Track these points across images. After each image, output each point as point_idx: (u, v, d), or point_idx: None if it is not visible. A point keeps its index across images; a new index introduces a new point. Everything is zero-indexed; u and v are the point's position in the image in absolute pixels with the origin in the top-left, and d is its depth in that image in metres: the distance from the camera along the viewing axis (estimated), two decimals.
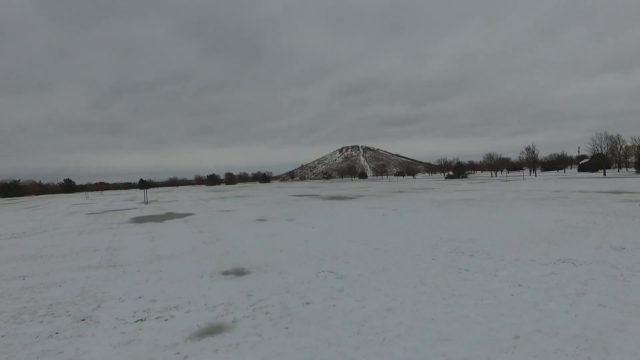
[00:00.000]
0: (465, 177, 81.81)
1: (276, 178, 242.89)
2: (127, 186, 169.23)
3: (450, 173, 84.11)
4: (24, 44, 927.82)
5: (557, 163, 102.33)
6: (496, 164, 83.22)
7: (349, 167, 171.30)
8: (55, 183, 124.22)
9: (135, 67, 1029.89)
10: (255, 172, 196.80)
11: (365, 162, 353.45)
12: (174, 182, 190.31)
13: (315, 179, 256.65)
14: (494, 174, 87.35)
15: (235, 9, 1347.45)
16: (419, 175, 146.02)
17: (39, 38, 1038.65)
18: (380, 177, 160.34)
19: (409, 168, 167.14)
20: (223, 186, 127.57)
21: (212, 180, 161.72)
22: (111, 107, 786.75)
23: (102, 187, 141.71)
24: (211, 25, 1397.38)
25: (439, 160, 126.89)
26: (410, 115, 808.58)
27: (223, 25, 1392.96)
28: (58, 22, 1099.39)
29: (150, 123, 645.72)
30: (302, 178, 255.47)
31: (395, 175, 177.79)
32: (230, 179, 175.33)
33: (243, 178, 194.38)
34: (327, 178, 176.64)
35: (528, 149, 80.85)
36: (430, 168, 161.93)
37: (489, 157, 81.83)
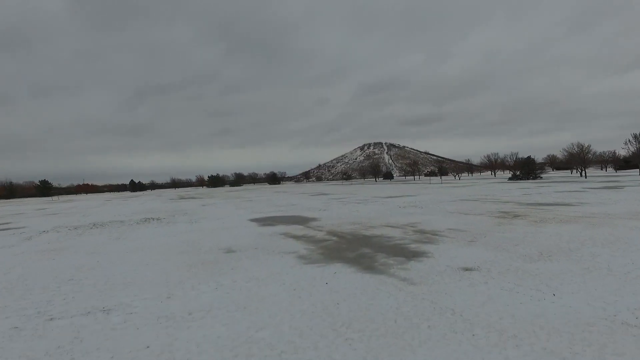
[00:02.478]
0: (540, 177, 57.56)
1: (291, 179, 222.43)
2: (120, 188, 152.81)
3: (517, 173, 59.74)
4: (56, 48, 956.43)
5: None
6: (589, 159, 56.60)
7: (371, 166, 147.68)
8: (31, 185, 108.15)
9: (160, 69, 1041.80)
10: (268, 172, 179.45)
11: (391, 161, 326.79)
12: (177, 184, 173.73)
13: (333, 179, 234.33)
14: (576, 173, 62.17)
15: (259, 12, 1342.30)
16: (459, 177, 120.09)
17: (70, 42, 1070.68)
18: (412, 177, 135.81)
19: (441, 167, 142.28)
20: (219, 189, 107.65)
21: (214, 181, 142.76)
22: (137, 109, 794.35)
23: (86, 189, 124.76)
24: (235, 28, 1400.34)
25: (487, 157, 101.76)
26: (432, 114, 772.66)
27: (246, 27, 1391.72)
28: (89, 27, 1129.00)
29: (174, 124, 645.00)
30: (319, 179, 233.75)
31: (426, 175, 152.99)
32: (237, 180, 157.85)
33: (254, 178, 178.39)
34: (346, 179, 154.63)
35: (636, 137, 55.43)
36: (470, 167, 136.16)
37: (581, 146, 54.60)
